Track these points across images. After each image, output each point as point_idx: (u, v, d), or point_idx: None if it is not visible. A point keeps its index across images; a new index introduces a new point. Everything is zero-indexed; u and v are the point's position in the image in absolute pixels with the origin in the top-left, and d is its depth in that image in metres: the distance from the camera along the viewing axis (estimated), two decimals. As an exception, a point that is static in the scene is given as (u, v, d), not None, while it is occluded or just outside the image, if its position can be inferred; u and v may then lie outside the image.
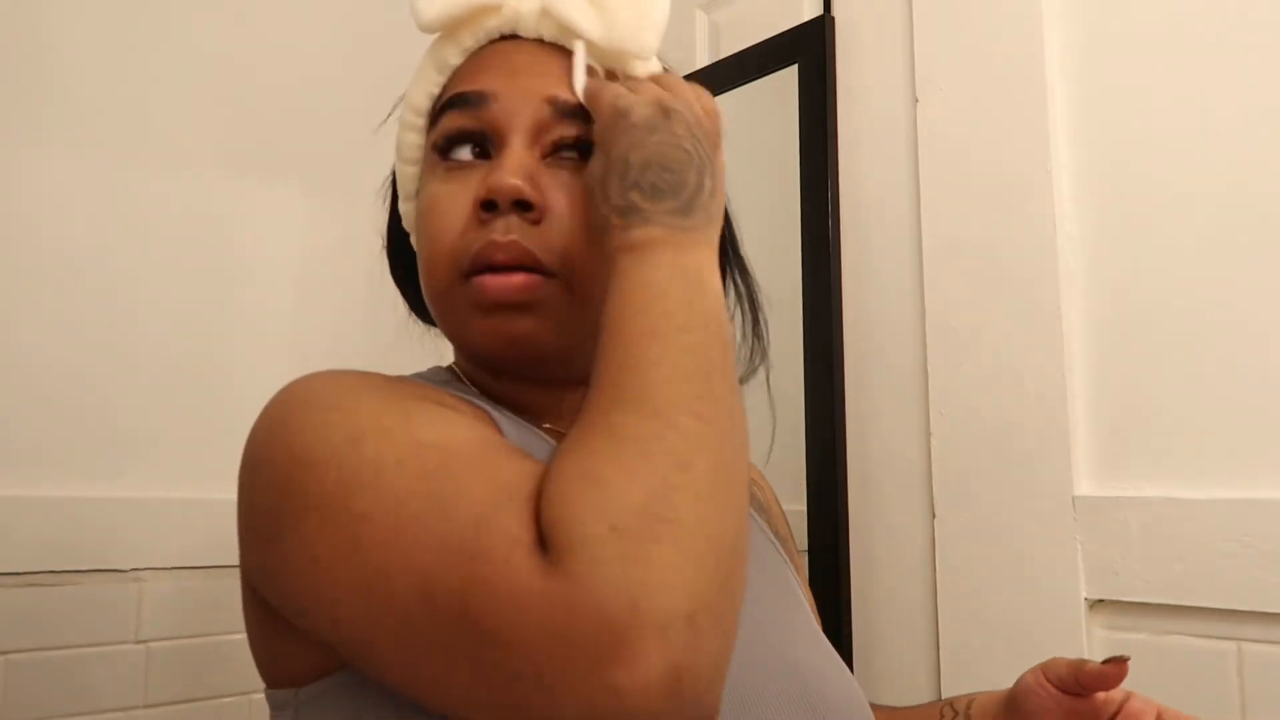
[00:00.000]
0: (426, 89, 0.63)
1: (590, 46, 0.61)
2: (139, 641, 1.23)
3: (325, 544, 0.45)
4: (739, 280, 0.72)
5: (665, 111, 0.54)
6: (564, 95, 0.59)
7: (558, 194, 0.57)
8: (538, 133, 0.58)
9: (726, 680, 0.51)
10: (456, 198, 0.58)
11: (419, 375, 0.65)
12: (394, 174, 0.69)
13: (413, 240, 0.66)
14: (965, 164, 1.03)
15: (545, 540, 0.40)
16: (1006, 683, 0.72)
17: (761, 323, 0.72)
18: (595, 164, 0.54)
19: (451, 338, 0.63)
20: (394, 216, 0.70)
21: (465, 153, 0.59)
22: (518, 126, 0.58)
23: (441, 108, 0.60)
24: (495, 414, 0.58)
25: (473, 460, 0.45)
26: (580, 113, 0.59)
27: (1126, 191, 0.93)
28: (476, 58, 0.62)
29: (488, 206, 0.56)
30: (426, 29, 0.62)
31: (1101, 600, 0.89)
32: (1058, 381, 0.93)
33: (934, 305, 1.04)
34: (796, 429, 1.13)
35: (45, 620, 1.17)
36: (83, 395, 1.24)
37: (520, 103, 0.58)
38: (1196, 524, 0.84)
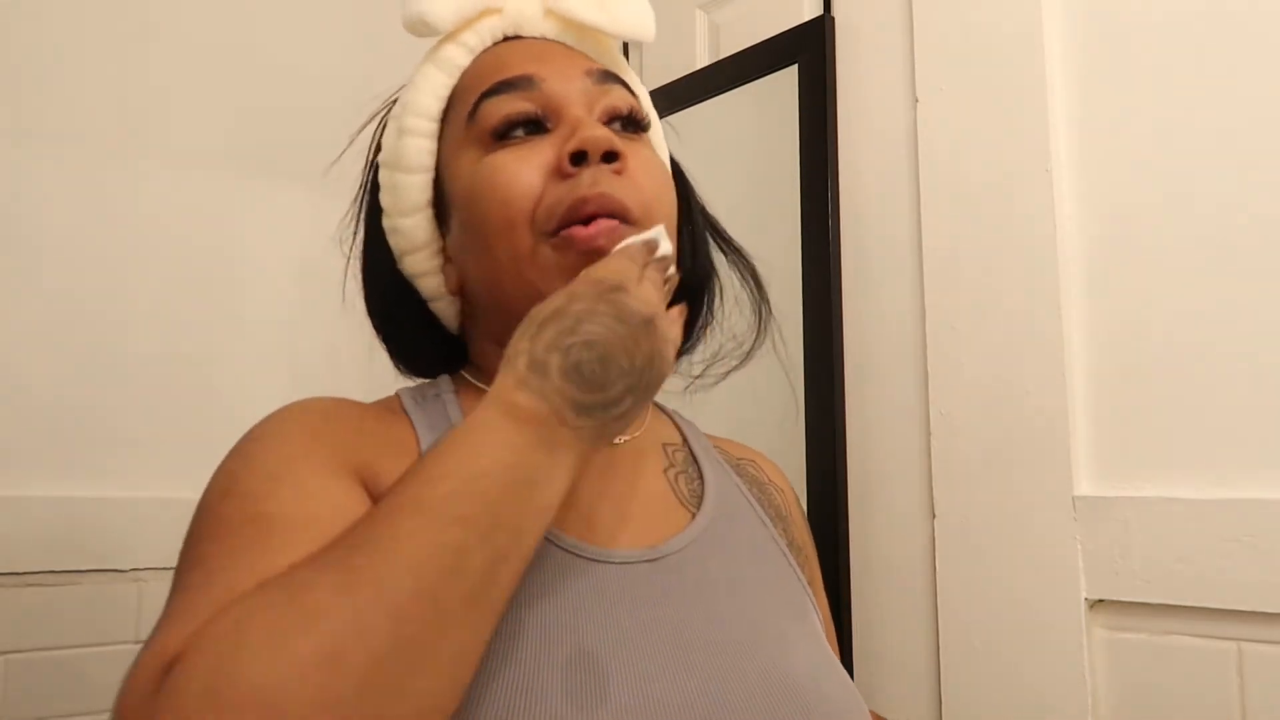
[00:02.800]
0: (434, 92, 0.63)
1: (600, 37, 0.64)
2: (139, 641, 1.23)
3: (176, 578, 0.48)
4: (729, 254, 0.72)
5: (648, 322, 0.50)
6: (596, 65, 0.62)
7: (627, 156, 0.59)
8: (589, 105, 0.61)
9: (702, 696, 0.51)
10: (526, 161, 0.58)
11: (415, 388, 0.65)
12: (365, 201, 0.68)
13: (397, 254, 0.65)
14: (965, 164, 1.03)
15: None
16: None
17: (765, 295, 0.72)
18: (554, 297, 0.51)
19: (518, 308, 0.59)
20: (369, 255, 0.68)
21: (520, 132, 0.59)
22: (572, 101, 0.60)
23: (482, 97, 0.60)
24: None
25: (265, 547, 0.46)
26: (615, 77, 0.62)
27: (1126, 191, 0.93)
28: (492, 55, 0.63)
29: (577, 159, 0.57)
30: (435, 31, 0.62)
31: (1101, 600, 0.89)
32: (1058, 381, 0.93)
33: (934, 306, 1.04)
34: (797, 429, 1.13)
35: (45, 620, 1.17)
36: (82, 395, 1.24)
37: (563, 81, 0.61)
38: (1196, 524, 0.84)
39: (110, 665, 1.20)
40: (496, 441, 0.46)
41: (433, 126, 0.63)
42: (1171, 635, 0.85)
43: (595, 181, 0.56)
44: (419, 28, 0.62)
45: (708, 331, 0.72)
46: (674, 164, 0.72)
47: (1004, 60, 1.01)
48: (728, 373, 0.73)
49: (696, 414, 0.75)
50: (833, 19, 1.20)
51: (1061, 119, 0.98)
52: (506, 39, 0.64)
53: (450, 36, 0.63)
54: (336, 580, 0.41)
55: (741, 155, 1.31)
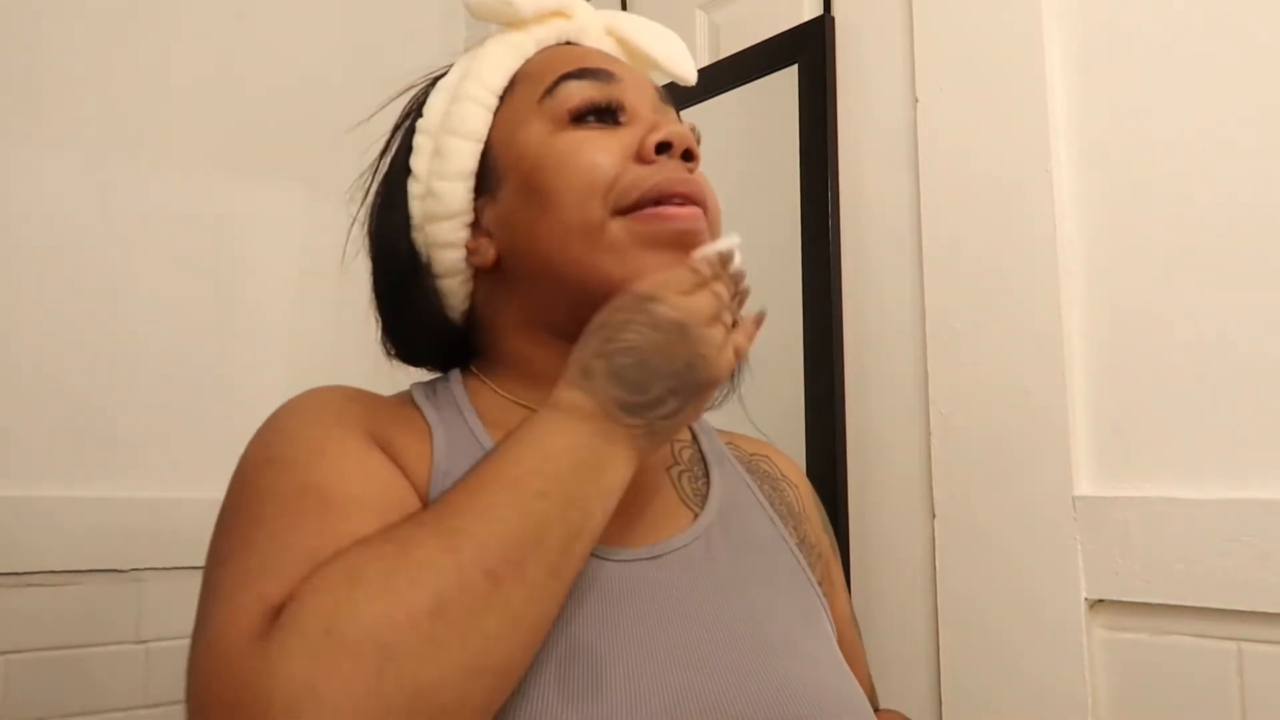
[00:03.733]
0: (502, 69, 0.65)
1: (644, 66, 0.70)
2: (139, 641, 1.23)
3: (214, 543, 0.51)
4: None
5: (681, 327, 0.53)
6: (657, 86, 0.67)
7: None
8: (653, 112, 0.65)
9: (698, 695, 0.51)
10: (606, 141, 0.61)
11: (425, 384, 0.66)
12: (395, 172, 0.67)
13: (419, 220, 0.64)
14: (965, 164, 1.03)
15: (280, 610, 0.42)
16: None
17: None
18: (613, 309, 0.54)
19: (587, 281, 0.59)
20: (382, 219, 0.67)
21: (593, 119, 0.62)
22: (642, 103, 0.64)
23: (564, 77, 0.63)
24: (444, 438, 0.59)
25: (328, 513, 0.49)
26: (671, 103, 0.67)
27: (1126, 191, 0.93)
28: (560, 51, 0.67)
29: (661, 148, 0.60)
30: (516, 14, 0.65)
31: (1101, 600, 0.89)
32: (1058, 381, 0.93)
33: (934, 306, 1.04)
34: (797, 429, 1.13)
35: (45, 620, 1.17)
36: (82, 396, 1.24)
37: (636, 85, 0.65)
38: (1196, 524, 0.84)
39: (110, 665, 1.20)
40: (559, 430, 0.51)
41: (494, 100, 0.65)
42: (1171, 635, 0.85)
43: (678, 170, 0.60)
44: (501, 7, 0.65)
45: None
46: None
47: (1004, 60, 1.01)
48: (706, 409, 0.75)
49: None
50: (833, 19, 1.20)
51: (1061, 119, 0.98)
52: (568, 43, 0.68)
53: (522, 25, 0.66)
54: (441, 541, 0.44)
55: (741, 155, 1.31)
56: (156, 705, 1.23)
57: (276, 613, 0.42)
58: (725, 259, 0.58)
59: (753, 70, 1.27)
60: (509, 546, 0.45)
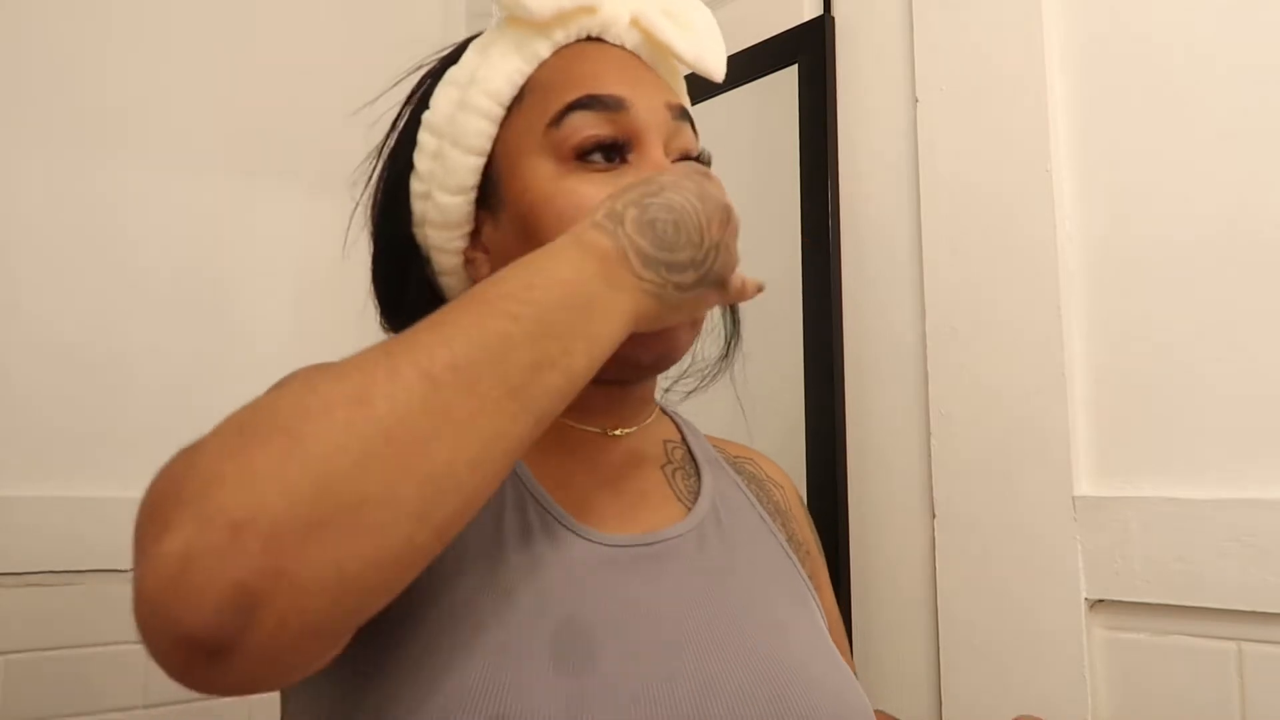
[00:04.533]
0: (510, 78, 0.61)
1: (672, 60, 0.66)
2: (139, 642, 1.23)
3: None
4: None
5: (726, 210, 0.54)
6: (675, 100, 0.63)
7: None
8: (667, 140, 0.61)
9: (692, 674, 0.51)
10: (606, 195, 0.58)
11: None
12: (399, 163, 0.65)
13: (419, 219, 0.63)
14: (965, 164, 1.03)
15: None
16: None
17: (738, 328, 0.73)
18: (661, 173, 0.54)
19: None
20: (384, 206, 0.66)
21: (599, 157, 0.59)
22: (653, 134, 0.60)
23: (571, 107, 0.59)
24: None
25: None
26: (687, 116, 0.63)
27: (1126, 191, 0.93)
28: (577, 57, 0.62)
29: None
30: (530, 18, 0.61)
31: (1101, 600, 0.89)
32: (1058, 381, 0.93)
33: (934, 305, 1.04)
34: (796, 429, 1.13)
35: (45, 620, 1.17)
36: (82, 396, 1.24)
37: (649, 111, 0.61)
38: (1196, 524, 0.84)
39: (110, 665, 1.20)
40: (563, 261, 0.47)
41: (500, 112, 0.62)
42: (1171, 635, 0.85)
43: None
44: (514, 8, 0.61)
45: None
46: None
47: (1004, 60, 1.01)
48: (689, 393, 0.74)
49: (696, 414, 0.75)
50: (833, 19, 1.20)
51: (1061, 119, 0.98)
52: (589, 38, 0.64)
53: (539, 26, 0.61)
54: (385, 348, 0.42)
55: (741, 155, 1.31)
56: (157, 705, 1.23)
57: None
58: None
59: (753, 70, 1.27)
60: (457, 354, 0.41)
